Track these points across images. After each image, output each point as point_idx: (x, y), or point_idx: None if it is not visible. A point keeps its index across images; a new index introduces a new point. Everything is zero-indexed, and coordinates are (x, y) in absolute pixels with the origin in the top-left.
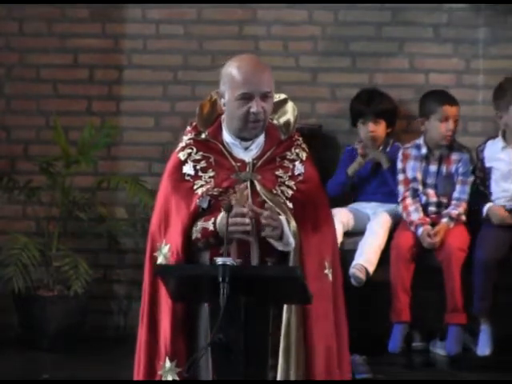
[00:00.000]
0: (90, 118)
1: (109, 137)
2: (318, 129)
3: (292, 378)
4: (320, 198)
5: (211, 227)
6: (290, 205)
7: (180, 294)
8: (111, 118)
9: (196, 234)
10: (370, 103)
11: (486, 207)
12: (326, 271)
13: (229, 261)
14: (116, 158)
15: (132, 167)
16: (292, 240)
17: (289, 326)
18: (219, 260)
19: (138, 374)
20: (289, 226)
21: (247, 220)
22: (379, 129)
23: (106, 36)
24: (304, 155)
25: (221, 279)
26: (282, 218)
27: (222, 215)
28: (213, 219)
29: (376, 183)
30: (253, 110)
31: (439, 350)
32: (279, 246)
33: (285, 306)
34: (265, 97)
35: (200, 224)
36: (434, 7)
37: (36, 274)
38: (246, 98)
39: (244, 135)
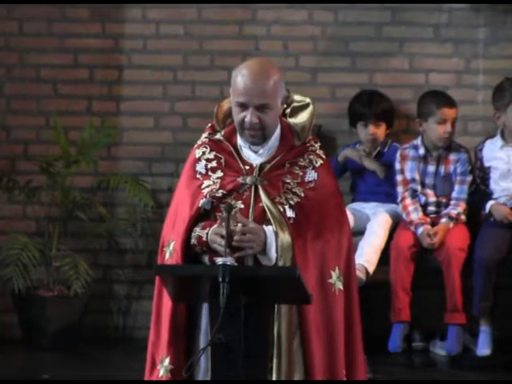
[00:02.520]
0: (90, 117)
1: (109, 137)
2: (317, 129)
3: None
4: (331, 206)
5: (205, 237)
6: (291, 213)
7: (180, 295)
8: (111, 118)
9: (193, 239)
10: (371, 105)
11: (489, 204)
12: (331, 280)
13: (229, 261)
14: (116, 158)
15: (132, 167)
16: (273, 254)
17: (279, 338)
18: (219, 260)
19: (147, 367)
20: (276, 239)
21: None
22: (380, 131)
23: (106, 36)
24: (319, 162)
25: (221, 279)
26: (269, 230)
27: (213, 228)
28: (208, 229)
29: (374, 183)
30: (246, 119)
31: (439, 350)
32: (263, 260)
33: (275, 317)
34: (262, 108)
35: (198, 231)
36: (434, 7)
37: (36, 274)
38: (242, 106)
39: (244, 140)
